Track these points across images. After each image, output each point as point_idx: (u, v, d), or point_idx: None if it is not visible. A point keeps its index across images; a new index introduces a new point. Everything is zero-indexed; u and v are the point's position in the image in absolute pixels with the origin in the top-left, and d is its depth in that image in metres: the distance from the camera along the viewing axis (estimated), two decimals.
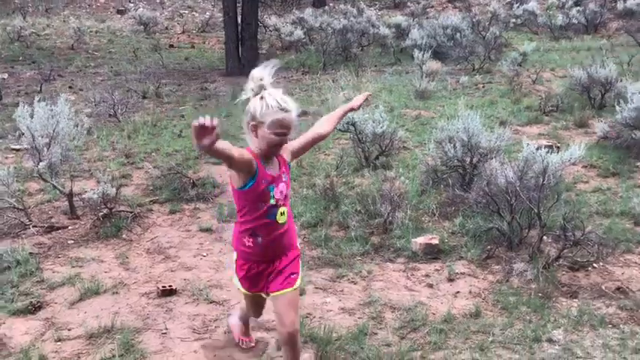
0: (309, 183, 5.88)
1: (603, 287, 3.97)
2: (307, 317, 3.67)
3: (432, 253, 4.48)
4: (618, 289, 3.94)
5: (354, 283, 4.15)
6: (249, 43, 12.90)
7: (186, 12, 20.19)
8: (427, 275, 4.21)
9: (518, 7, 19.10)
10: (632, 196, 5.31)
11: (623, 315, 3.62)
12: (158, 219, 5.30)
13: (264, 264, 2.78)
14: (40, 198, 5.67)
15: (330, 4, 21.77)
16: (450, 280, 4.11)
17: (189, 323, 3.63)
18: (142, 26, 17.62)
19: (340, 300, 3.93)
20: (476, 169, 5.45)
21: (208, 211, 5.44)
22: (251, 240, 2.71)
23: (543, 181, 4.48)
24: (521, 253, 4.38)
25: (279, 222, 2.69)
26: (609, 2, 19.53)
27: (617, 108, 6.79)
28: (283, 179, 2.69)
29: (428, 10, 19.91)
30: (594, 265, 4.23)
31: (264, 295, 2.88)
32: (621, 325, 3.49)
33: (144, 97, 10.15)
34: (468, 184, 5.39)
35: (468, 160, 5.50)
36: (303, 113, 8.98)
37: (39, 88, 10.58)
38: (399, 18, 17.13)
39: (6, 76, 11.67)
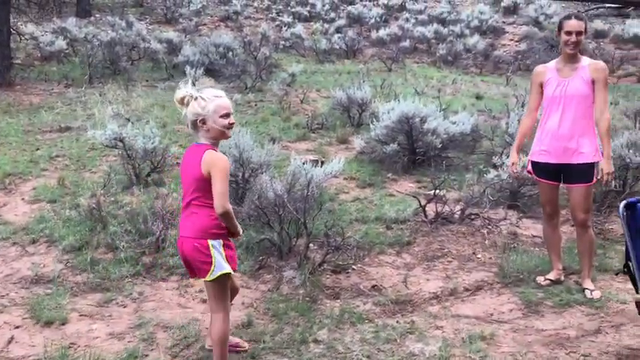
0: (72, 203, 5.47)
1: (361, 287, 4.36)
2: (70, 348, 3.40)
3: None
4: (374, 287, 4.37)
5: (124, 307, 3.96)
6: (0, 52, 11.59)
7: None
8: (201, 291, 4.19)
9: (286, 30, 20.19)
10: (384, 203, 5.94)
11: (377, 310, 4.02)
12: None
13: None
14: None
15: (97, 15, 20.63)
16: None
17: None
18: None
19: (108, 325, 3.71)
20: (248, 184, 5.61)
21: None
22: None
23: (308, 192, 4.79)
24: (291, 261, 4.61)
25: None
26: (365, 31, 21.68)
27: (371, 126, 7.56)
28: None
29: (200, 27, 20.00)
30: (353, 267, 4.63)
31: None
32: (376, 320, 3.87)
33: None
34: (241, 198, 5.52)
35: (240, 174, 5.64)
36: (66, 129, 8.40)
37: None
38: (170, 34, 16.90)
39: None
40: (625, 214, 3.23)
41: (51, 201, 5.66)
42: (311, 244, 4.74)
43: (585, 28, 4.14)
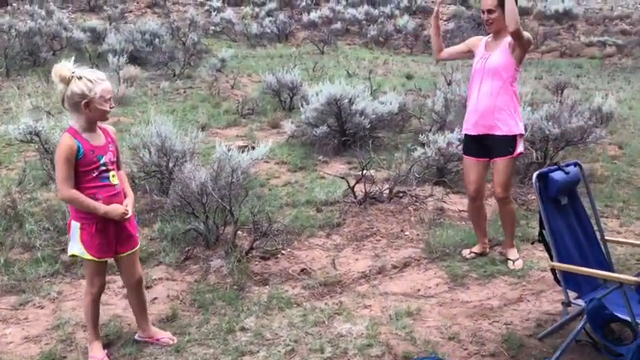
0: None
1: (290, 271, 4.33)
2: None
3: None
4: (302, 270, 4.34)
5: (42, 308, 3.78)
6: None
7: None
8: (123, 287, 4.04)
9: (216, 15, 19.79)
10: (314, 186, 5.92)
11: (306, 294, 4.00)
12: None
13: (111, 225, 3.08)
14: None
15: (14, 5, 19.61)
16: (148, 287, 4.01)
17: None
18: None
19: (24, 329, 3.53)
20: (172, 174, 5.45)
21: None
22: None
23: (232, 179, 4.69)
24: (218, 250, 4.52)
25: (113, 183, 3.08)
26: (296, 14, 21.52)
27: (302, 109, 7.51)
28: (110, 148, 3.09)
29: (126, 14, 19.34)
30: (282, 252, 4.58)
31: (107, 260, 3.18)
32: (304, 303, 3.85)
33: None
34: (166, 188, 5.37)
35: (164, 164, 5.47)
36: None
37: None
38: (94, 22, 16.26)
39: None
40: (538, 184, 3.31)
41: None
42: (239, 232, 4.67)
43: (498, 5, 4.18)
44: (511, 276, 4.21)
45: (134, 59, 12.29)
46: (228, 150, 5.17)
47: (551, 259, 3.27)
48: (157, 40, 13.56)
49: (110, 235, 3.10)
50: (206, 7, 21.34)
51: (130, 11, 20.04)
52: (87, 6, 20.16)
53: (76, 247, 3.06)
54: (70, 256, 3.15)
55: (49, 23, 15.25)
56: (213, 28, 18.27)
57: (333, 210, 5.36)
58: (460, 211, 5.41)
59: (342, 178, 5.73)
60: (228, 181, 4.70)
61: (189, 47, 13.27)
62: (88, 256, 3.06)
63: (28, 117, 6.06)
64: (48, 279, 4.14)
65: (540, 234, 3.34)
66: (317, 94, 7.41)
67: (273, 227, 4.66)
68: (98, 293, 3.19)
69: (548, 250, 3.32)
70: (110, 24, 16.42)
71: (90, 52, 13.35)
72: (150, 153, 5.45)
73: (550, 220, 3.25)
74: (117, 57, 11.04)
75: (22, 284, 4.03)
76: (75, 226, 3.04)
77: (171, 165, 5.44)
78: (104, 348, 3.25)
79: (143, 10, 20.26)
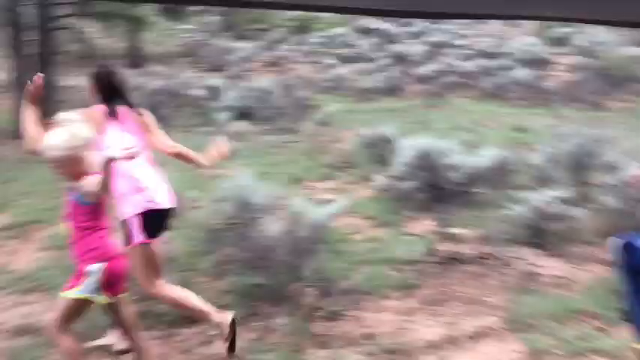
0: None
1: (355, 334, 4.09)
2: None
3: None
4: (367, 335, 4.08)
5: None
6: (47, 107, 12.12)
7: None
8: (183, 341, 4.03)
9: (330, 71, 20.34)
10: (396, 243, 5.66)
11: None
12: None
13: None
14: None
15: (148, 66, 21.47)
16: (206, 343, 3.97)
17: None
18: None
19: None
20: (251, 226, 5.46)
21: None
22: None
23: (305, 234, 4.59)
24: (283, 307, 4.39)
25: None
26: (408, 69, 21.56)
27: (394, 162, 7.33)
28: None
29: (245, 73, 20.43)
30: (350, 313, 4.36)
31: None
32: None
33: None
34: (244, 241, 5.37)
35: (244, 216, 5.51)
36: None
37: None
38: (215, 80, 17.33)
39: None
40: (623, 253, 2.86)
41: (61, 247, 5.70)
42: (307, 289, 4.52)
43: None
44: (604, 355, 3.66)
45: (245, 115, 12.84)
46: (307, 203, 5.12)
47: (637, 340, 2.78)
48: (268, 96, 14.11)
49: None
50: (321, 65, 22.03)
51: (250, 70, 21.14)
52: (211, 66, 21.57)
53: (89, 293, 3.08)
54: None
55: (175, 82, 16.48)
56: (325, 84, 18.75)
57: (412, 270, 5.06)
58: (555, 276, 4.88)
59: (427, 236, 5.42)
60: (305, 235, 4.61)
61: (298, 102, 13.65)
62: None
63: None
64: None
65: (624, 312, 2.86)
66: (410, 147, 7.20)
67: (342, 286, 4.47)
68: None
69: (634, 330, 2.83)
70: (229, 82, 17.39)
71: (206, 108, 14.18)
72: (231, 205, 5.52)
73: (634, 295, 2.78)
74: (230, 113, 11.59)
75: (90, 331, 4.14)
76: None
77: (249, 218, 5.46)
78: None
79: (262, 70, 21.31)
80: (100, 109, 3.17)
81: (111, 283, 2.99)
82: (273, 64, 22.34)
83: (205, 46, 23.84)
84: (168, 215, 3.27)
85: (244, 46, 22.65)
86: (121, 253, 3.08)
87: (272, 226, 4.70)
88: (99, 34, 16.42)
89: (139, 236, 3.12)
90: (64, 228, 6.05)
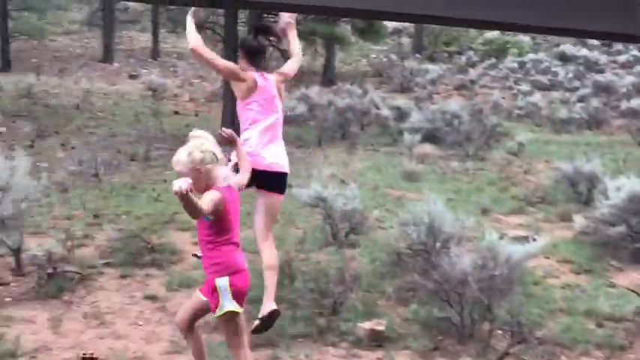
0: None
1: None
2: None
3: (378, 340, 4.24)
4: None
5: None
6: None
7: (197, 81, 20.69)
8: None
9: (522, 98, 19.35)
10: (599, 295, 5.07)
11: None
12: (106, 282, 5.14)
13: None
14: None
15: (340, 84, 22.24)
16: None
17: None
18: (150, 92, 18.03)
19: None
20: (438, 255, 5.27)
21: (159, 278, 5.26)
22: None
23: (499, 272, 4.29)
24: (470, 347, 4.13)
25: None
26: (613, 101, 19.73)
27: (598, 204, 6.65)
28: None
29: (433, 95, 20.23)
30: None
31: None
32: None
33: (132, 160, 10.18)
34: (429, 269, 5.19)
35: (430, 244, 5.33)
36: (287, 186, 8.97)
37: (32, 143, 10.70)
38: (401, 101, 17.38)
39: (4, 129, 11.85)
40: None
41: (252, 252, 6.00)
42: (497, 332, 4.20)
43: None
44: None
45: (431, 138, 12.65)
46: (500, 238, 4.80)
47: None
48: (455, 120, 13.78)
49: None
50: (514, 91, 21.06)
51: (438, 93, 20.90)
52: (399, 87, 21.70)
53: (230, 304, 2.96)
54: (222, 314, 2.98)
55: (363, 101, 16.85)
56: (517, 111, 17.85)
57: (619, 328, 4.48)
58: None
59: (636, 291, 4.78)
60: (493, 273, 4.32)
61: (487, 129, 13.13)
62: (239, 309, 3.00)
63: (318, 183, 6.60)
64: (301, 339, 4.29)
65: None
66: (618, 189, 6.48)
67: (537, 334, 4.08)
68: None
69: None
70: (415, 104, 17.33)
71: (392, 128, 14.25)
72: (418, 231, 5.38)
73: None
74: (415, 135, 11.51)
75: (278, 339, 4.25)
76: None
77: (437, 246, 5.27)
78: None
79: (450, 93, 20.94)
80: (251, 70, 3.49)
81: (236, 295, 2.96)
82: (463, 87, 21.83)
83: (395, 66, 24.10)
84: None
85: (434, 68, 22.49)
86: (244, 268, 3.04)
87: (463, 259, 4.46)
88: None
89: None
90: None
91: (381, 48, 26.84)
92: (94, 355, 3.82)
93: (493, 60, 24.44)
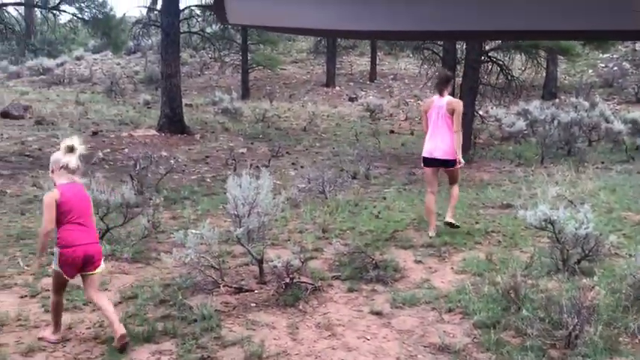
0: (492, 280, 5.55)
1: None
2: None
3: None
4: None
5: None
6: (463, 132, 12.91)
7: (412, 100, 21.03)
8: None
9: None
10: None
11: None
12: (335, 295, 5.46)
13: None
14: (240, 261, 6.25)
15: (562, 97, 20.80)
16: None
17: None
18: (368, 112, 18.80)
19: None
20: None
21: (384, 294, 5.44)
22: None
23: None
24: None
25: None
26: None
27: None
28: None
29: None
30: None
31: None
32: None
33: (354, 178, 10.70)
34: None
35: None
36: (507, 206, 8.63)
37: (267, 163, 11.85)
38: (638, 113, 15.64)
39: (245, 150, 13.32)
40: None
41: (476, 274, 5.89)
42: None
43: None
44: None
45: None
46: None
47: None
48: None
49: None
50: None
51: None
52: (634, 97, 19.60)
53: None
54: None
55: (590, 114, 15.54)
56: None
57: None
58: None
59: None
60: None
61: None
62: None
63: (545, 204, 6.24)
64: None
65: None
66: None
67: None
68: None
69: None
70: None
71: (627, 144, 12.90)
72: None
73: None
74: None
75: None
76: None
77: None
78: None
79: None
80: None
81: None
82: None
83: (628, 75, 21.84)
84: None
85: None
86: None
87: None
88: (521, 66, 16.67)
89: None
90: (479, 254, 6.21)
91: (610, 56, 24.53)
92: None
93: None
